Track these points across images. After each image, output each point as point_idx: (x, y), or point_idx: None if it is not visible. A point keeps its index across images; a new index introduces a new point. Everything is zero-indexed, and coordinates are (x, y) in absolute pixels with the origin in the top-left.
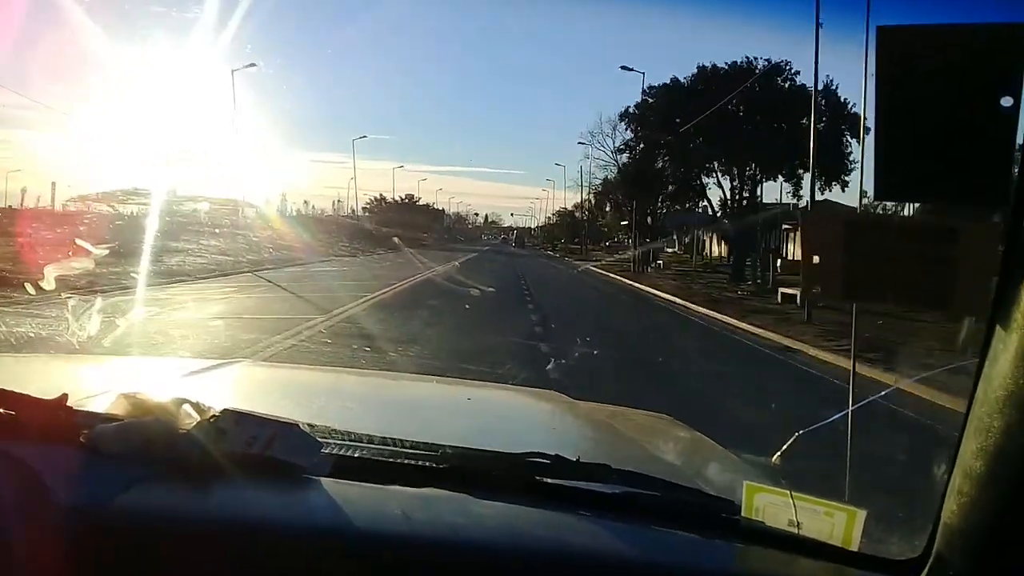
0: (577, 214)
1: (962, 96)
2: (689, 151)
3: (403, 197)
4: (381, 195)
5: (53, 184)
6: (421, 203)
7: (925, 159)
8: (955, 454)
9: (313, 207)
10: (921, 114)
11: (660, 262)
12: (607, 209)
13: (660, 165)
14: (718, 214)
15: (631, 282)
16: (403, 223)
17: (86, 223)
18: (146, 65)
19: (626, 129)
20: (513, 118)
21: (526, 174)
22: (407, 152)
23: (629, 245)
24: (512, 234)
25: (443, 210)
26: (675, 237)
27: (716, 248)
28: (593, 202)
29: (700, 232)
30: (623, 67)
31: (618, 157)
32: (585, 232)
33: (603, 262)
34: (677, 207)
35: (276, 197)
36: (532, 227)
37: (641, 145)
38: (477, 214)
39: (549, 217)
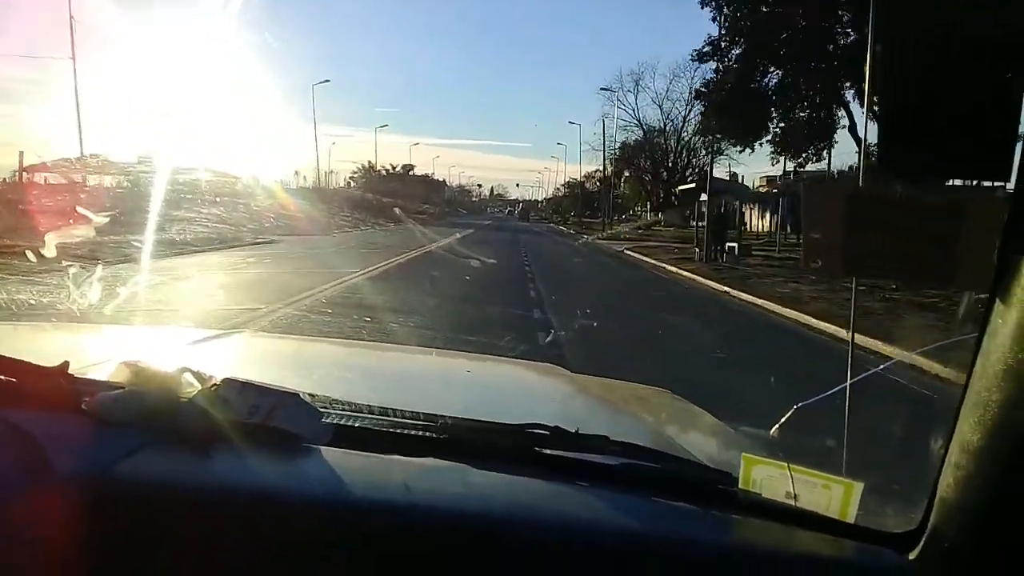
0: (588, 184)
1: (966, 70)
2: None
3: (392, 167)
4: (369, 163)
5: (20, 157)
6: (417, 173)
7: (928, 134)
8: (952, 428)
9: (319, 179)
10: (924, 88)
11: (735, 245)
12: (623, 179)
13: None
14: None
15: (746, 298)
16: (401, 194)
17: (87, 191)
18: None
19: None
20: (520, 90)
21: (533, 147)
22: (413, 125)
23: (649, 218)
24: (518, 206)
25: (444, 181)
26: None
27: (759, 222)
28: (610, 170)
29: (738, 202)
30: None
31: (688, 108)
32: (597, 203)
33: (640, 244)
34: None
35: (281, 169)
36: (540, 200)
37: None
38: (480, 185)
39: (558, 188)
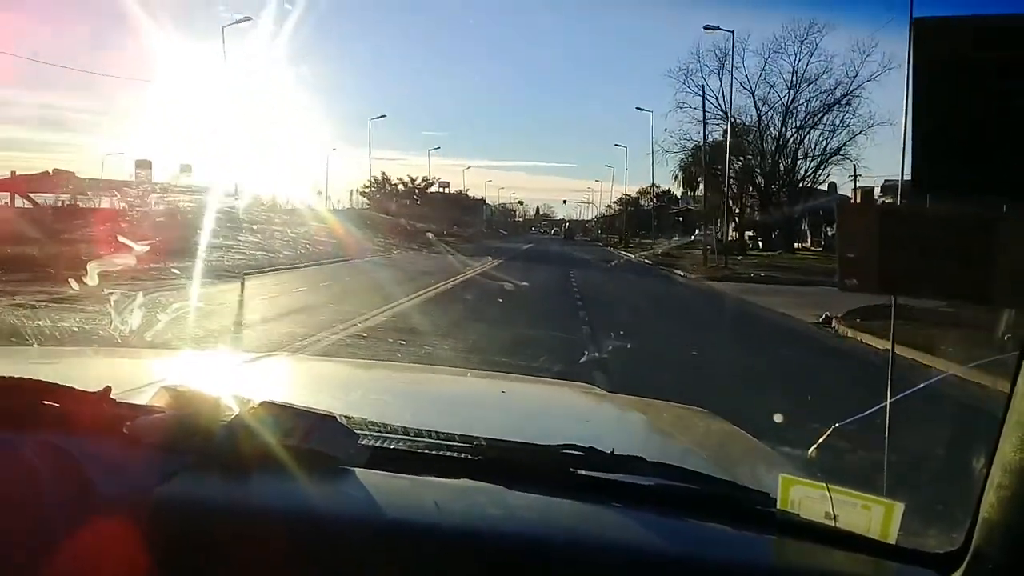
0: (643, 201)
1: (1001, 88)
2: None
3: (411, 179)
4: (383, 174)
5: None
6: (450, 190)
7: (963, 152)
8: (994, 448)
9: (353, 201)
10: (959, 106)
11: None
12: (695, 187)
13: None
14: None
15: None
16: (432, 216)
17: (127, 220)
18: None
19: None
20: (566, 108)
21: (580, 167)
22: (460, 149)
23: (728, 238)
24: (564, 225)
25: (483, 200)
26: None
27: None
28: (682, 177)
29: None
30: (707, 27)
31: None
32: (657, 222)
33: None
34: None
35: (321, 193)
36: (589, 219)
37: None
38: (522, 202)
39: (609, 205)
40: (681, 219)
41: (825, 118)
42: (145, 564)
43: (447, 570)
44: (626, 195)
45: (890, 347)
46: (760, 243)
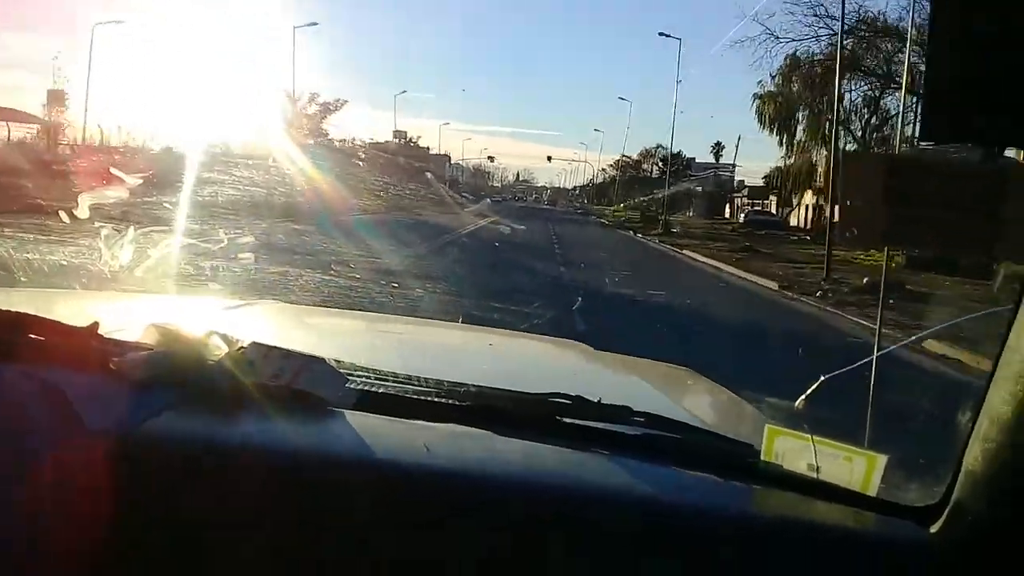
0: (644, 165)
1: (1016, 35)
2: None
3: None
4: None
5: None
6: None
7: (975, 99)
8: (981, 400)
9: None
10: (975, 51)
11: None
12: (783, 127)
13: None
14: None
15: None
16: (381, 174)
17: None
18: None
19: None
20: (553, 75)
21: (563, 136)
22: (451, 112)
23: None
24: (545, 192)
25: (447, 156)
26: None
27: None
28: (767, 109)
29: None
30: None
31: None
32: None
33: None
34: None
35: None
36: (572, 188)
37: None
38: (492, 158)
39: (604, 169)
40: (741, 188)
41: None
42: (131, 498)
43: (434, 510)
44: (626, 158)
45: (879, 303)
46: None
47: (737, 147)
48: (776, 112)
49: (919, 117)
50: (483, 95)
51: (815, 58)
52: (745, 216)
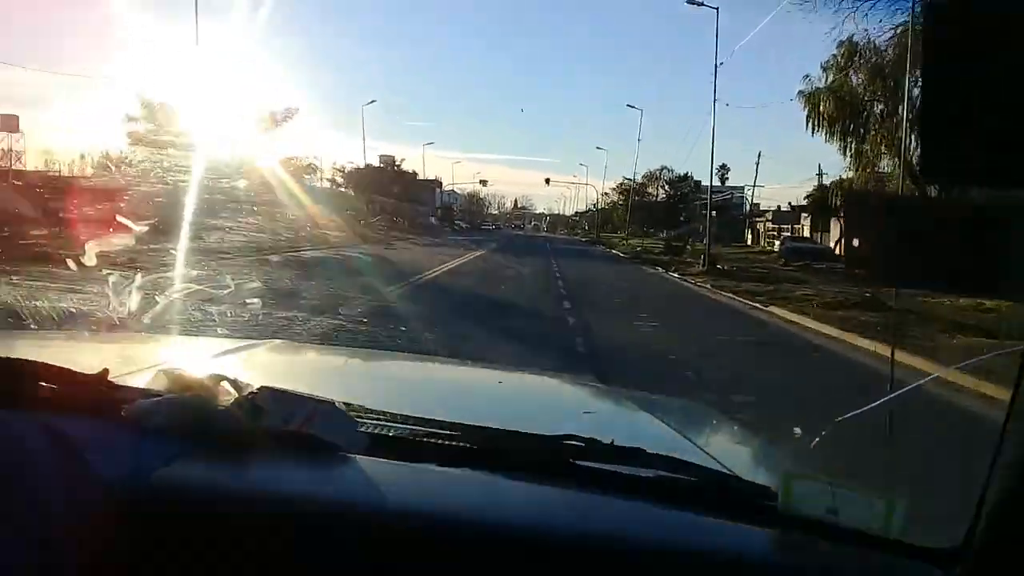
0: (650, 188)
1: (1014, 74)
2: None
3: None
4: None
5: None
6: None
7: (973, 139)
8: (998, 444)
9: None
10: (970, 92)
11: None
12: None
13: None
14: None
15: None
16: (367, 201)
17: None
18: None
19: None
20: (550, 103)
21: (561, 163)
22: (445, 139)
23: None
24: (545, 220)
25: (438, 181)
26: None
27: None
28: (823, 108)
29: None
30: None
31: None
32: (686, 216)
33: None
34: None
35: (315, 176)
36: (572, 214)
37: None
38: (484, 182)
39: (606, 193)
40: (759, 212)
41: None
42: (143, 548)
43: (444, 557)
44: (630, 181)
45: (891, 344)
46: None
47: (757, 166)
48: (837, 111)
49: (920, 157)
50: (480, 123)
51: (875, 44)
52: (782, 244)
